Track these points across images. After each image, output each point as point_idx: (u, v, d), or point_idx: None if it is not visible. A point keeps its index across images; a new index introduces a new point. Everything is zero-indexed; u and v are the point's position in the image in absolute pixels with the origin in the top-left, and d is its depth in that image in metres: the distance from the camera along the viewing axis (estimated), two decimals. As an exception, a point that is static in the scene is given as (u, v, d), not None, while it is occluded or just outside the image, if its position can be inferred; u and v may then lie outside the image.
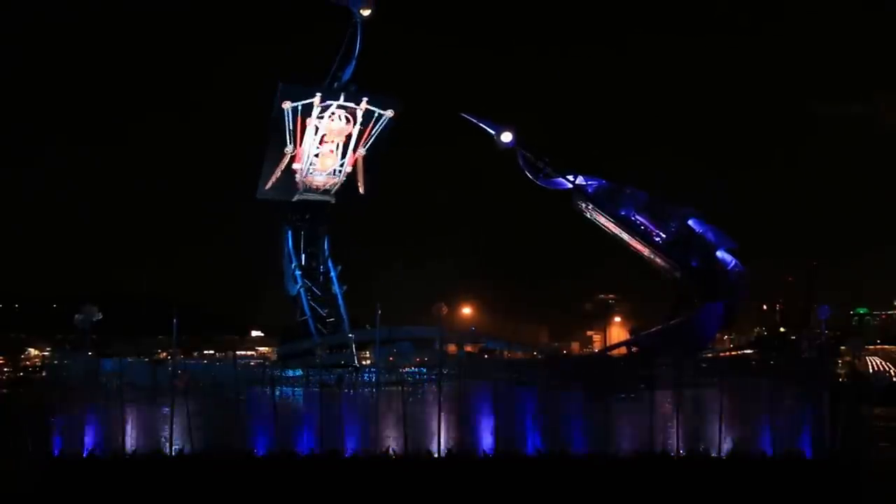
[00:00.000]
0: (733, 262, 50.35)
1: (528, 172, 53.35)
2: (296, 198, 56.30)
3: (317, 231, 57.55)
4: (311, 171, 55.72)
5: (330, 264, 57.20)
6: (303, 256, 57.12)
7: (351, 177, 56.47)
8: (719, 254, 50.47)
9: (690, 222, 51.32)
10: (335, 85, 55.31)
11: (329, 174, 56.11)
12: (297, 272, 56.33)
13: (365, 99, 54.94)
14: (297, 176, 55.57)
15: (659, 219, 51.80)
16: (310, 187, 56.17)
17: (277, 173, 55.22)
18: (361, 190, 56.76)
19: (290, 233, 56.94)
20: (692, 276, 50.88)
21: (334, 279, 56.92)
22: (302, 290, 56.03)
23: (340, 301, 56.48)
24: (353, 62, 55.28)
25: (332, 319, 56.34)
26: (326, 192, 56.47)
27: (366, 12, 54.51)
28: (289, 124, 54.10)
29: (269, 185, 55.47)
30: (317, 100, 54.04)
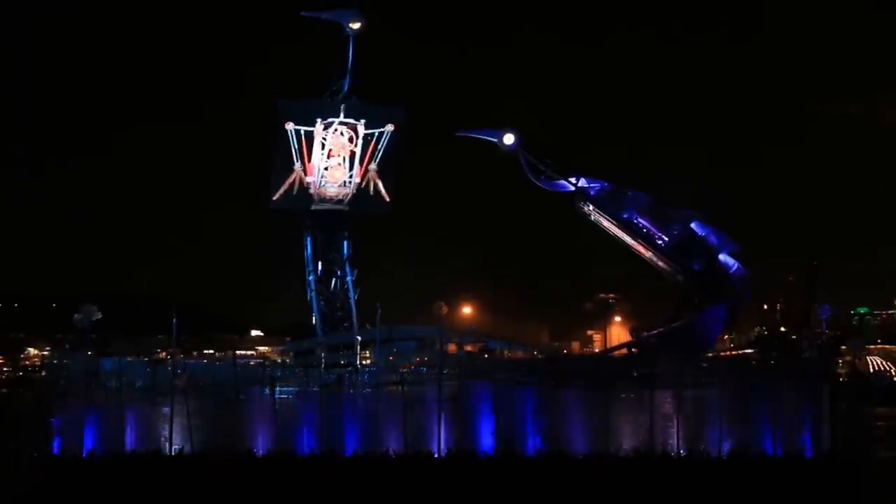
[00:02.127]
0: (735, 265, 50.34)
1: (530, 174, 53.41)
2: (312, 207, 57.38)
3: (335, 238, 58.55)
4: (322, 183, 57.02)
5: (347, 269, 57.98)
6: (319, 263, 58.43)
7: (363, 188, 57.61)
8: (721, 257, 50.48)
9: (693, 225, 51.33)
10: (337, 97, 56.22)
11: (340, 186, 57.56)
12: (311, 277, 57.27)
13: (363, 121, 56.19)
14: (311, 188, 56.94)
15: (661, 222, 51.88)
16: (324, 198, 57.31)
17: (286, 186, 56.65)
18: (387, 198, 58.03)
19: (309, 240, 57.73)
20: (694, 279, 50.94)
21: (350, 284, 57.78)
22: (314, 294, 56.94)
23: (353, 305, 57.51)
24: (348, 75, 56.27)
25: (346, 324, 57.24)
26: (340, 202, 57.59)
27: (355, 25, 55.46)
28: (293, 143, 55.64)
29: (279, 196, 56.70)
30: (318, 122, 55.67)
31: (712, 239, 50.62)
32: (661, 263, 52.33)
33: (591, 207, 52.84)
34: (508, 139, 52.79)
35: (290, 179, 56.43)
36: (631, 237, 52.54)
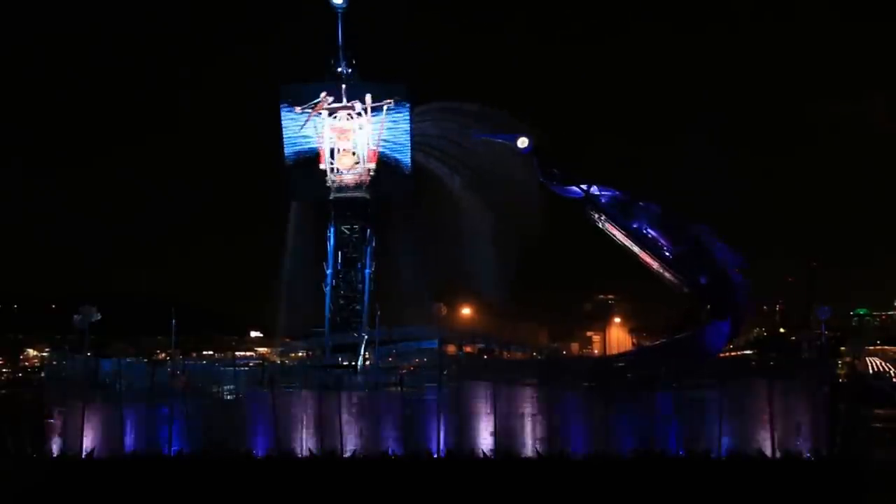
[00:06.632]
0: (741, 279, 50.11)
1: (543, 178, 53.34)
2: (332, 196, 56.95)
3: (355, 227, 58.06)
4: (336, 169, 56.67)
5: (368, 261, 57.69)
6: (339, 255, 57.75)
7: (378, 169, 57.14)
8: (728, 271, 50.18)
9: (701, 239, 50.98)
10: (338, 78, 56.00)
11: (354, 172, 57.00)
12: (329, 270, 57.19)
13: (368, 95, 55.42)
14: (327, 175, 56.62)
15: (670, 234, 51.50)
16: (341, 185, 57.00)
17: (302, 174, 56.56)
18: (407, 172, 57.28)
19: (332, 231, 57.58)
20: (700, 293, 50.60)
21: (367, 278, 57.44)
22: (329, 289, 56.77)
23: (366, 300, 57.13)
24: (340, 50, 56.23)
25: (357, 320, 57.20)
26: (358, 187, 57.08)
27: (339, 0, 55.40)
28: (301, 129, 55.37)
29: (298, 184, 56.90)
30: (322, 102, 55.05)
31: (720, 254, 50.22)
32: (667, 275, 51.93)
33: (601, 216, 52.63)
34: (522, 143, 52.96)
35: (307, 167, 56.28)
36: (639, 247, 52.19)
